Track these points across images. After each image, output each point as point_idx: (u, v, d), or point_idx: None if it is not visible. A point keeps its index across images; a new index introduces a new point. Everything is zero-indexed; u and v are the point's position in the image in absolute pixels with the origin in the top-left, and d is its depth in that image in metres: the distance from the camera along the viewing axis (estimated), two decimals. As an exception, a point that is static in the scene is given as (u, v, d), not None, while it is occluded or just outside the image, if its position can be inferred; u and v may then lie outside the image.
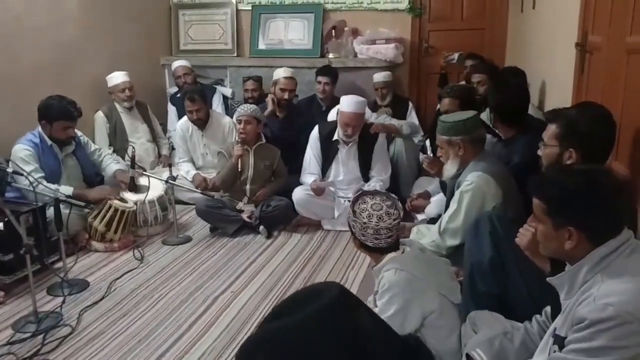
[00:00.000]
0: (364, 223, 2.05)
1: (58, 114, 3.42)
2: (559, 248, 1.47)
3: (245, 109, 3.82)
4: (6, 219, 2.76)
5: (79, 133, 3.66)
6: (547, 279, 1.55)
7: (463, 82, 4.49)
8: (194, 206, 3.96)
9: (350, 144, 3.86)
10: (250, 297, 2.89)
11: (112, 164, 3.84)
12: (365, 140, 3.86)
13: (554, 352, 1.43)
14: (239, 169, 3.80)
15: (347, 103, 3.74)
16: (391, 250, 2.10)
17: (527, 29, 4.56)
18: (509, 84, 3.33)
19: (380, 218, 2.05)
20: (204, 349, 2.43)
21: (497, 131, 3.19)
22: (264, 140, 3.95)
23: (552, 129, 2.14)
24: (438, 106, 4.79)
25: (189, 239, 3.69)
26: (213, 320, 2.67)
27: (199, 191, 4.00)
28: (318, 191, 3.82)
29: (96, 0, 4.78)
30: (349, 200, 3.67)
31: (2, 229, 2.88)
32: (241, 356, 0.92)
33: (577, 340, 1.34)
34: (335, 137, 3.87)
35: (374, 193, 2.17)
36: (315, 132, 3.98)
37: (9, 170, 2.91)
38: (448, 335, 2.03)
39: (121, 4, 5.09)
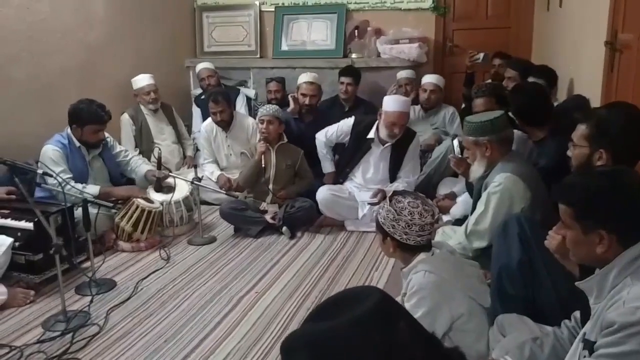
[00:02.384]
0: (410, 220, 2.01)
1: (89, 118, 3.47)
2: (590, 253, 1.43)
3: (267, 110, 3.84)
4: (36, 219, 2.83)
5: (106, 134, 3.71)
6: (576, 283, 1.52)
7: (489, 81, 4.44)
8: (218, 206, 3.98)
9: (386, 145, 3.85)
10: (274, 298, 2.90)
11: (142, 165, 3.89)
12: (401, 141, 3.85)
13: (584, 357, 1.41)
14: (262, 167, 3.82)
15: (393, 102, 3.75)
16: (424, 249, 2.08)
17: (553, 27, 4.49)
18: (525, 87, 3.29)
19: (421, 215, 2.01)
20: (229, 349, 2.44)
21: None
22: (285, 140, 3.96)
23: (581, 129, 2.10)
24: (463, 105, 4.77)
25: (213, 239, 3.72)
26: (238, 320, 2.68)
27: (224, 192, 4.03)
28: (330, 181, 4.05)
29: (121, 3, 4.85)
30: (369, 204, 3.73)
31: (32, 229, 2.94)
32: (286, 350, 0.95)
33: (606, 345, 1.31)
34: (371, 135, 3.86)
35: (402, 193, 2.15)
36: (350, 121, 4.00)
37: (39, 171, 2.96)
38: (477, 339, 2.00)
39: (146, 6, 5.15)
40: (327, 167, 4.17)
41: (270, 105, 4.01)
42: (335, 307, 0.94)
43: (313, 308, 1.02)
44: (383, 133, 3.79)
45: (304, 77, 4.62)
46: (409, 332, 0.93)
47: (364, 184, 3.94)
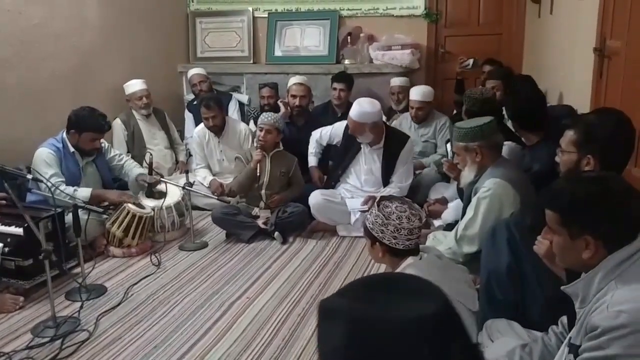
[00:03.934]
0: (398, 225, 2.02)
1: (89, 126, 3.47)
2: (576, 258, 1.44)
3: (268, 118, 3.84)
4: (26, 225, 2.81)
5: (101, 140, 3.69)
6: (562, 287, 1.52)
7: (481, 87, 4.47)
8: (210, 212, 3.98)
9: (374, 146, 3.87)
10: (265, 303, 2.89)
11: (134, 169, 3.88)
12: (392, 145, 3.86)
13: (569, 361, 1.41)
14: (257, 174, 3.83)
15: (352, 109, 3.79)
16: (413, 253, 2.08)
17: (544, 34, 4.53)
18: (522, 91, 3.31)
19: (409, 219, 2.03)
20: (220, 354, 2.43)
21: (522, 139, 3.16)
22: (281, 148, 3.97)
23: (569, 135, 2.11)
24: (454, 111, 4.80)
25: (205, 245, 3.71)
26: (229, 326, 2.67)
27: (216, 197, 4.03)
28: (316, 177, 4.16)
29: (115, 9, 4.85)
30: (360, 212, 3.73)
31: (22, 234, 2.93)
32: (326, 309, 0.86)
33: (590, 349, 1.32)
34: None
35: (389, 198, 2.16)
36: (343, 123, 4.03)
37: (29, 177, 2.95)
38: (464, 343, 2.00)
39: (139, 12, 5.16)
40: (311, 160, 4.25)
41: (271, 113, 4.00)
42: (393, 290, 0.84)
43: (366, 277, 0.93)
44: None
45: (294, 80, 4.69)
46: (461, 354, 0.82)
47: (359, 186, 3.95)
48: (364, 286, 0.89)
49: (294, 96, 4.58)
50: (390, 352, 0.79)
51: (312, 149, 4.24)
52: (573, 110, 3.24)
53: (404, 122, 4.68)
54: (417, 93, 4.52)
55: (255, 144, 3.96)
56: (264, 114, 4.00)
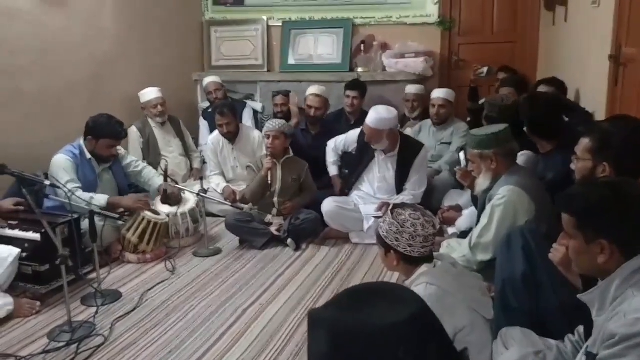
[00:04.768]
0: (413, 232, 2.02)
1: (106, 133, 3.51)
2: (592, 263, 1.44)
3: (273, 125, 3.86)
4: (43, 231, 2.85)
5: (118, 147, 3.73)
6: (578, 295, 1.52)
7: (496, 92, 4.47)
8: (224, 218, 3.99)
9: (388, 154, 3.87)
10: (278, 310, 2.90)
11: (155, 178, 3.91)
12: (406, 152, 3.86)
13: (587, 370, 1.40)
14: (269, 182, 3.85)
15: (369, 116, 3.80)
16: (427, 261, 2.08)
17: (559, 42, 4.51)
18: (539, 98, 3.28)
19: (423, 226, 2.03)
20: (233, 360, 2.44)
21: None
22: (291, 154, 3.99)
23: (585, 142, 2.11)
24: (468, 119, 4.79)
25: (219, 251, 3.73)
26: (242, 332, 2.68)
27: (229, 204, 4.05)
28: (338, 187, 4.16)
29: (131, 18, 4.92)
30: (374, 217, 3.73)
31: (39, 240, 2.97)
32: (313, 320, 0.94)
33: (607, 357, 1.31)
34: None
35: (402, 206, 2.15)
36: (357, 131, 4.05)
37: (47, 183, 2.99)
38: (480, 351, 1.99)
39: (155, 21, 5.22)
40: (332, 170, 4.29)
41: (276, 120, 4.03)
42: (373, 299, 0.90)
43: (351, 288, 0.99)
44: None
45: (312, 89, 4.72)
46: (437, 356, 0.88)
47: (372, 193, 3.95)
48: (348, 297, 0.96)
49: (309, 107, 4.64)
50: (371, 356, 0.86)
51: (331, 158, 4.26)
52: (588, 113, 3.21)
53: (423, 128, 4.69)
54: (440, 91, 4.63)
55: (265, 152, 3.98)
56: (269, 121, 4.02)
